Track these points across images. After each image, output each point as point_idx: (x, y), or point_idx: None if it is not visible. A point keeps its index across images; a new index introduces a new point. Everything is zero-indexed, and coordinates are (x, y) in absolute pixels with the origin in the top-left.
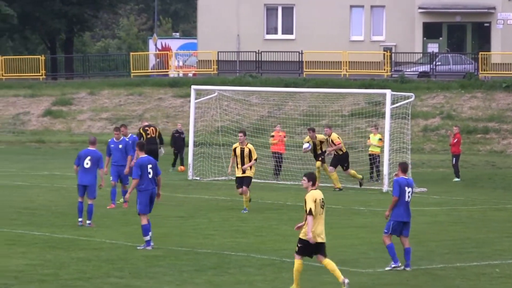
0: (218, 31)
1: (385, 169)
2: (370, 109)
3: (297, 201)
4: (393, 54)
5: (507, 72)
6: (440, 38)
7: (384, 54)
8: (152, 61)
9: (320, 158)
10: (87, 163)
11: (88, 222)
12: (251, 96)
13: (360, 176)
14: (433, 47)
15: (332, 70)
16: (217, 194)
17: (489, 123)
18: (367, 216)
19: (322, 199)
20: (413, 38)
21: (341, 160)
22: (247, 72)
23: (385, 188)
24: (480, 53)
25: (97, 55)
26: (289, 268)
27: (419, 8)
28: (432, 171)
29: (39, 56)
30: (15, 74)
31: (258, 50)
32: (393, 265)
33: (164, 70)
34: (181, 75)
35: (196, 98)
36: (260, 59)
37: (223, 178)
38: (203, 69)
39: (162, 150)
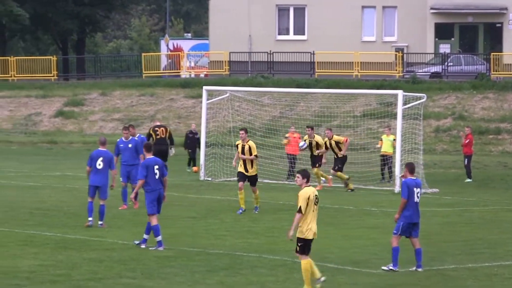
0: (230, 32)
1: (397, 170)
2: (382, 110)
3: None
4: (405, 55)
5: None
6: (452, 39)
7: (396, 54)
8: (164, 61)
9: (317, 165)
10: (99, 164)
11: (100, 222)
12: (263, 97)
13: (346, 177)
14: (445, 48)
15: (344, 71)
16: (229, 194)
17: (501, 123)
18: (378, 217)
19: (316, 195)
20: (425, 39)
21: (338, 161)
22: (259, 72)
23: (397, 189)
24: (492, 53)
25: (109, 55)
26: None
27: (431, 8)
28: (444, 172)
29: (51, 57)
30: (27, 75)
31: (270, 51)
32: (390, 267)
33: (176, 71)
34: (192, 75)
35: (208, 99)
36: (272, 60)
37: (235, 179)
38: (214, 70)
39: (172, 151)
